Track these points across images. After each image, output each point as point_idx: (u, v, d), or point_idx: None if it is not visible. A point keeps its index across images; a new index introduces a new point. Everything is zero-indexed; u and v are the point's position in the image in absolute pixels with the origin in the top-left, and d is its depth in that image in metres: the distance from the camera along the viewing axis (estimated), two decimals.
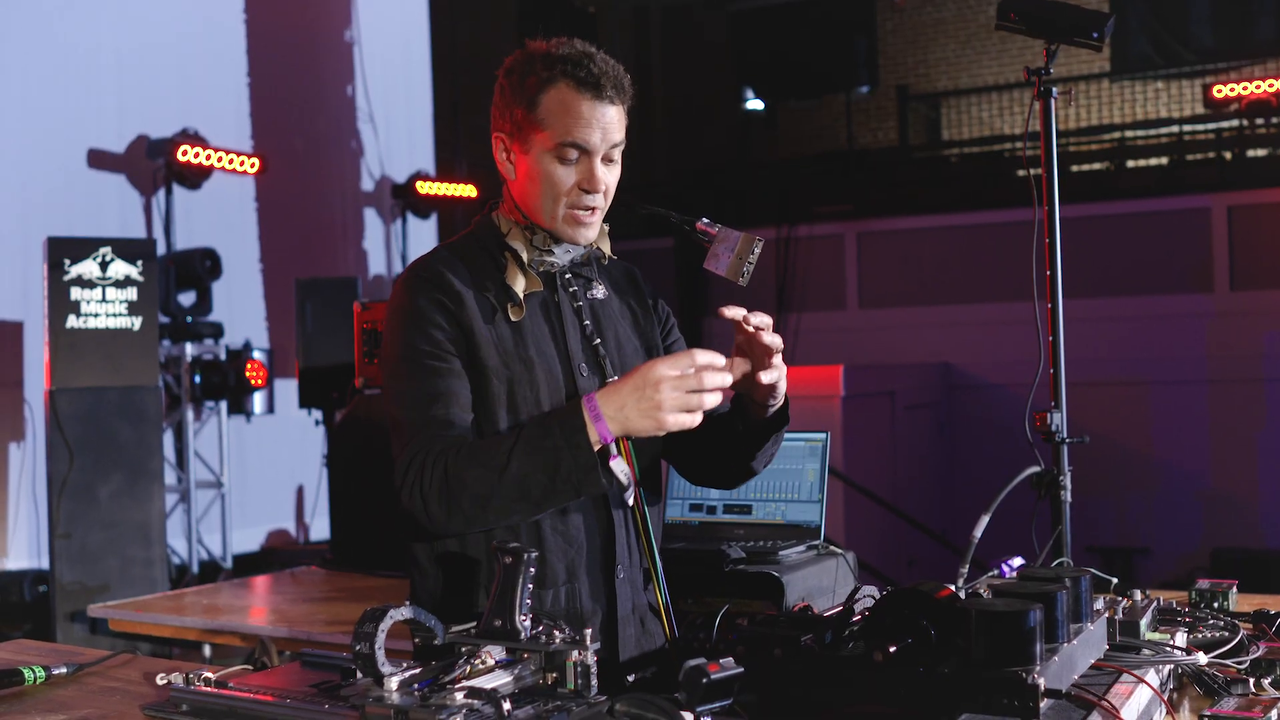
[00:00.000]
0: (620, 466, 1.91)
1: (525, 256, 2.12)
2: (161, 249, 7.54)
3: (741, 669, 1.59)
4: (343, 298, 6.95)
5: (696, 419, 1.90)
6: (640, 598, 2.20)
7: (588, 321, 2.18)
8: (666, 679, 2.08)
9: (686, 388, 1.88)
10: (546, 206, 2.10)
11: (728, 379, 1.93)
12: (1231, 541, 9.14)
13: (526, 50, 2.11)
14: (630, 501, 1.97)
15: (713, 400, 1.90)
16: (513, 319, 2.09)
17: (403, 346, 2.05)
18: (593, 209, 2.11)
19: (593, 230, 2.14)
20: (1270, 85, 9.68)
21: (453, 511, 1.94)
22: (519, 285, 2.11)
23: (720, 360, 1.92)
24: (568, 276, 2.18)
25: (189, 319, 7.56)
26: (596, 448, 1.89)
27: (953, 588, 1.76)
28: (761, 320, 2.06)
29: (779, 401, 2.19)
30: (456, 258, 2.14)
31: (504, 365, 2.07)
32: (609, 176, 2.11)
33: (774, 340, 2.07)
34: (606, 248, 2.23)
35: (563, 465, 1.90)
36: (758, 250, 2.26)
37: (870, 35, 13.14)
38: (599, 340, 2.17)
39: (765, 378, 2.10)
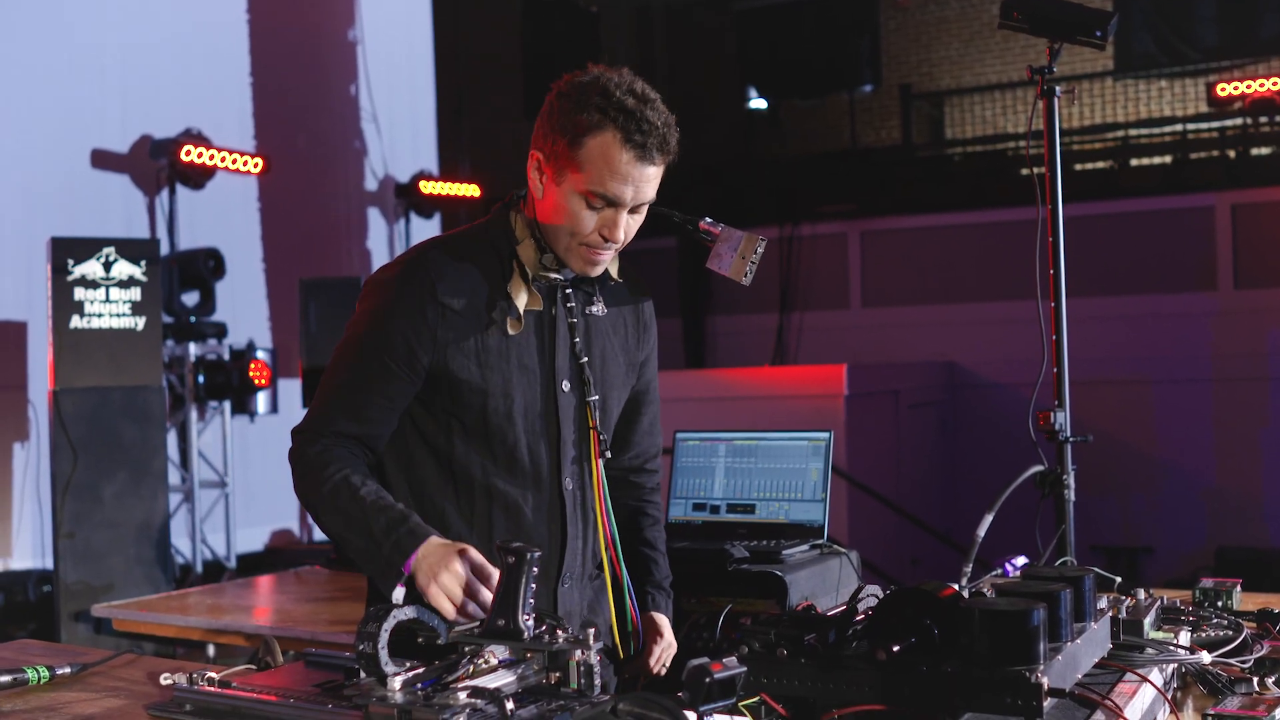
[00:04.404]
0: (397, 596, 1.90)
1: (531, 271, 2.14)
2: (165, 249, 7.54)
3: (744, 668, 1.59)
4: (346, 298, 6.94)
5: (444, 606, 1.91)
6: (585, 603, 2.26)
7: (578, 339, 2.19)
8: (671, 679, 2.09)
9: (459, 584, 1.90)
10: (563, 239, 2.11)
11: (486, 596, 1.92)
12: (1236, 540, 9.13)
13: (588, 78, 2.08)
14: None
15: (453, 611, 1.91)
16: (511, 333, 2.13)
17: (365, 336, 2.14)
18: (607, 253, 2.12)
19: (600, 269, 2.16)
20: (1274, 83, 9.66)
21: (301, 497, 2.17)
22: (520, 300, 2.13)
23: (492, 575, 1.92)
24: (568, 291, 2.20)
25: (192, 319, 7.56)
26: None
27: (956, 587, 1.76)
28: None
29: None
30: (462, 256, 2.15)
31: (481, 377, 2.11)
32: (632, 225, 2.12)
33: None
34: (614, 270, 2.26)
35: (375, 564, 2.02)
36: (760, 249, 2.26)
37: (873, 34, 13.10)
38: (585, 358, 2.20)
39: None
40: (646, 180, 2.08)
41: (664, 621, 2.35)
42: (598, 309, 2.24)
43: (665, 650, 2.34)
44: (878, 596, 1.84)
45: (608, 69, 2.11)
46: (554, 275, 2.16)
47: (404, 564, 1.95)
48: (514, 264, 2.15)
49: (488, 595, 1.88)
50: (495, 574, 1.88)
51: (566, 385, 2.18)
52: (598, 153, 2.03)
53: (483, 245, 2.17)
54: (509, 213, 2.20)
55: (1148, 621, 2.09)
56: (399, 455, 2.20)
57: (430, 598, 1.89)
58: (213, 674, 1.81)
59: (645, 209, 2.14)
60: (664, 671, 2.35)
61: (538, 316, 2.17)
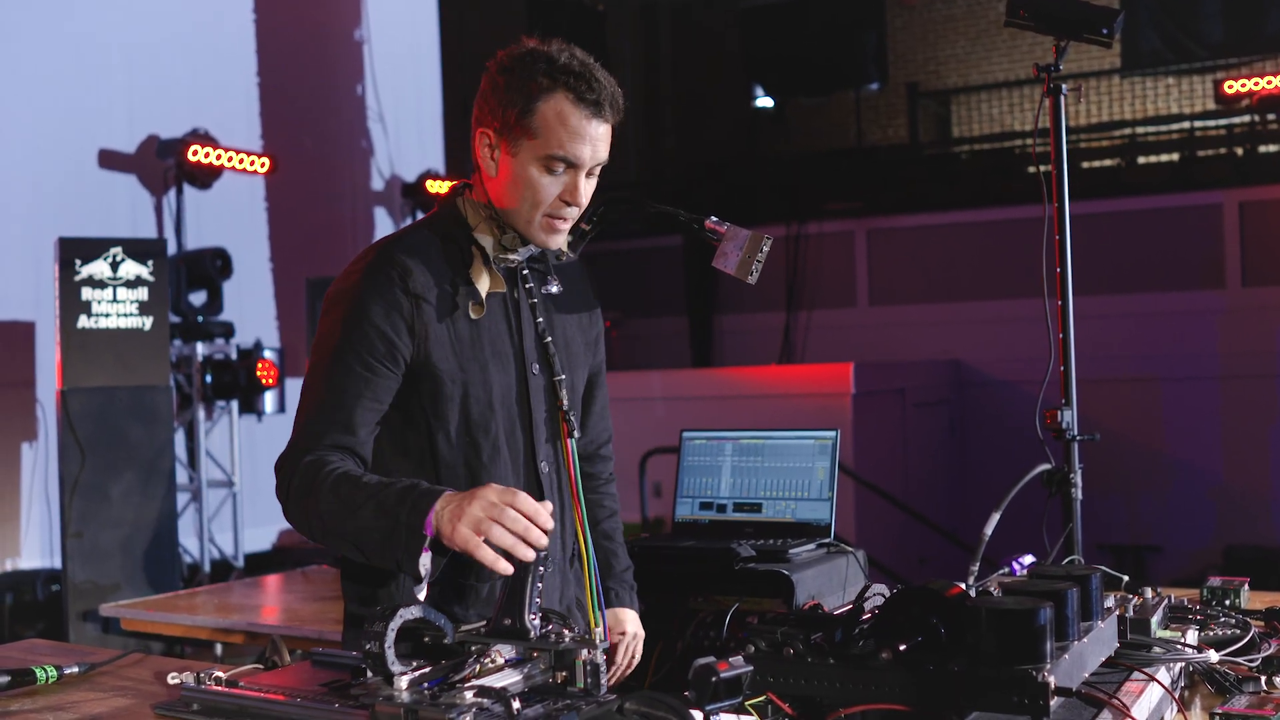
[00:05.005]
0: (424, 563, 1.86)
1: (491, 254, 2.13)
2: (172, 249, 7.55)
3: (751, 667, 1.59)
4: None
5: (484, 552, 1.81)
6: (569, 590, 2.25)
7: (540, 319, 2.19)
8: (678, 677, 2.09)
9: (509, 524, 1.80)
10: (524, 211, 2.10)
11: (541, 540, 1.82)
12: (1244, 538, 9.12)
13: (526, 50, 2.09)
14: (420, 597, 1.85)
15: (510, 543, 1.81)
16: (473, 317, 2.10)
17: (342, 342, 2.06)
18: (568, 219, 2.12)
19: (563, 238, 2.15)
20: None
21: (301, 524, 2.04)
22: (483, 285, 2.11)
23: (547, 520, 1.83)
24: (525, 272, 2.19)
25: (200, 318, 7.57)
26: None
27: (963, 586, 1.76)
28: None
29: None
30: (419, 249, 2.12)
31: (459, 367, 2.09)
32: (587, 189, 2.12)
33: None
34: (564, 245, 2.24)
35: (395, 538, 1.89)
36: (766, 248, 2.27)
37: (880, 31, 13.10)
38: (550, 338, 2.19)
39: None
40: (601, 139, 2.08)
41: (627, 616, 2.37)
42: (554, 287, 2.23)
43: (632, 643, 2.37)
44: (884, 595, 1.84)
45: (540, 42, 2.10)
46: (512, 256, 2.15)
47: (424, 524, 1.85)
48: (473, 249, 2.13)
49: (538, 530, 1.78)
50: (524, 495, 1.81)
51: (536, 367, 2.18)
52: (552, 115, 2.04)
53: (436, 237, 2.15)
54: (455, 201, 2.19)
55: (1155, 620, 2.09)
56: (375, 469, 2.13)
57: (460, 542, 1.81)
58: (220, 673, 1.81)
59: (597, 177, 2.13)
60: (634, 663, 2.38)
61: (502, 300, 2.16)
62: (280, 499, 2.05)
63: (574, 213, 2.11)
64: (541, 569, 1.75)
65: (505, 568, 1.79)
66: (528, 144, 2.06)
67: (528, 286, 2.19)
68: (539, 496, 2.15)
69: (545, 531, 1.81)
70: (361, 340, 2.05)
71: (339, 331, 2.06)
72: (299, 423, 2.07)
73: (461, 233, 2.15)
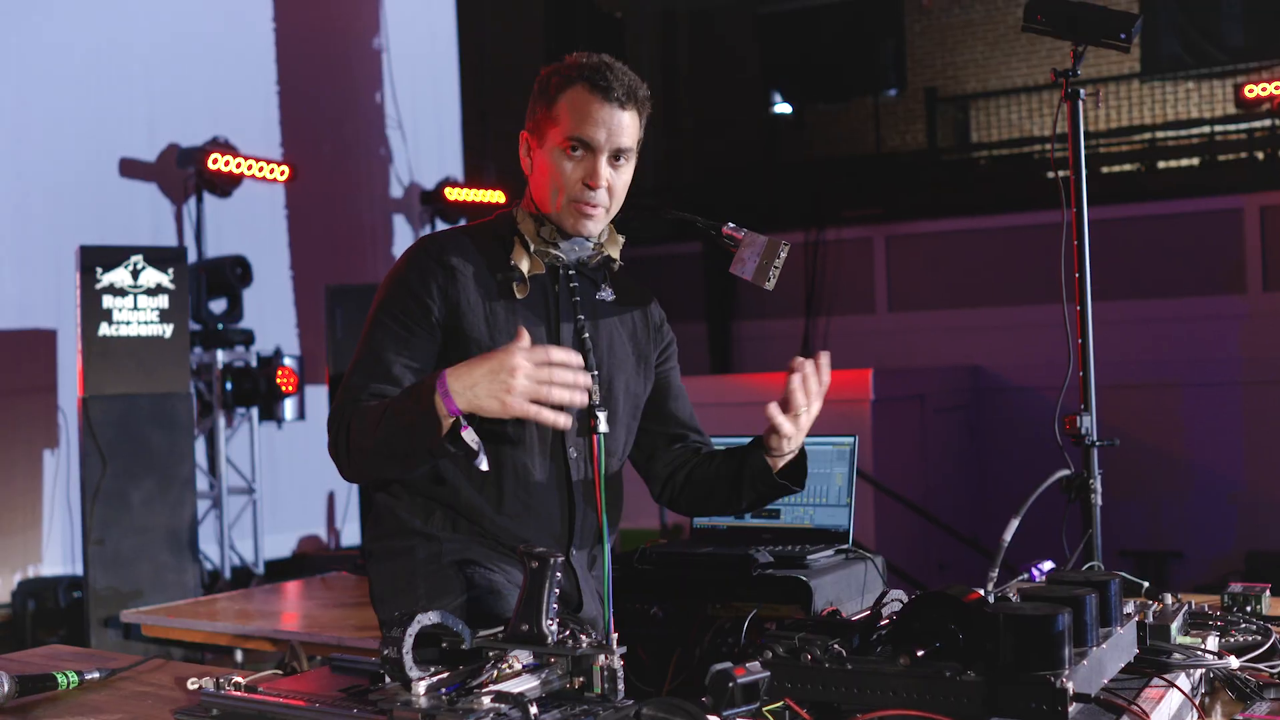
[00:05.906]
0: (470, 436, 1.97)
1: (531, 243, 2.24)
2: (193, 257, 7.58)
3: (768, 673, 1.59)
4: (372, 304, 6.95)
5: (543, 413, 1.96)
6: (586, 583, 2.32)
7: (582, 316, 2.28)
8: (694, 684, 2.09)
9: (539, 378, 1.94)
10: (551, 196, 2.22)
11: (585, 379, 1.99)
12: (1266, 544, 9.06)
13: (562, 60, 2.26)
14: (484, 467, 2.02)
15: (562, 396, 1.96)
16: (518, 296, 2.22)
17: (380, 308, 2.23)
18: (595, 204, 2.22)
19: (595, 225, 2.24)
20: None
21: (346, 462, 2.16)
22: (524, 265, 2.23)
23: (577, 360, 1.98)
24: (571, 272, 2.29)
25: (220, 326, 7.60)
26: (449, 419, 1.97)
27: (981, 591, 1.75)
28: (803, 378, 2.29)
29: (784, 454, 2.33)
30: (467, 237, 2.28)
31: (489, 337, 2.19)
32: (615, 178, 2.22)
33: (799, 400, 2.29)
34: (616, 253, 2.33)
35: (417, 429, 2.00)
36: (784, 254, 2.28)
37: (898, 37, 13.09)
38: (587, 334, 2.28)
39: (784, 427, 2.29)
40: (620, 126, 2.20)
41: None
42: (606, 295, 2.33)
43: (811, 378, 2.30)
44: (903, 601, 1.84)
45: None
46: (555, 251, 2.25)
47: (449, 410, 1.95)
48: (515, 239, 2.26)
49: (569, 375, 1.94)
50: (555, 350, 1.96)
51: None
52: (570, 103, 2.19)
53: (487, 234, 2.30)
54: (512, 209, 2.34)
55: (1175, 626, 2.08)
56: None
57: (520, 412, 1.94)
58: (239, 679, 1.82)
59: (629, 166, 2.24)
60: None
61: (543, 290, 2.26)
62: (331, 453, 2.18)
63: (600, 197, 2.21)
64: (559, 574, 1.76)
65: (552, 416, 1.96)
66: (551, 133, 2.21)
67: (572, 285, 2.28)
68: (565, 481, 2.27)
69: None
70: (397, 304, 2.21)
71: (379, 304, 2.24)
72: (344, 383, 2.22)
73: (508, 229, 2.29)
